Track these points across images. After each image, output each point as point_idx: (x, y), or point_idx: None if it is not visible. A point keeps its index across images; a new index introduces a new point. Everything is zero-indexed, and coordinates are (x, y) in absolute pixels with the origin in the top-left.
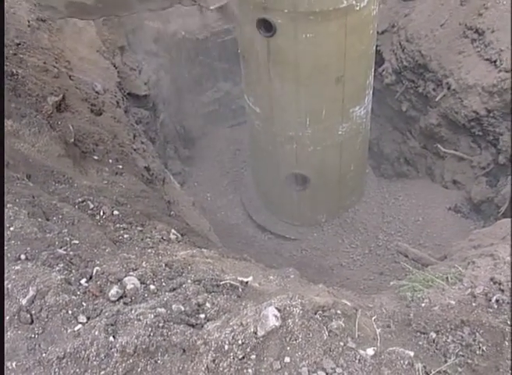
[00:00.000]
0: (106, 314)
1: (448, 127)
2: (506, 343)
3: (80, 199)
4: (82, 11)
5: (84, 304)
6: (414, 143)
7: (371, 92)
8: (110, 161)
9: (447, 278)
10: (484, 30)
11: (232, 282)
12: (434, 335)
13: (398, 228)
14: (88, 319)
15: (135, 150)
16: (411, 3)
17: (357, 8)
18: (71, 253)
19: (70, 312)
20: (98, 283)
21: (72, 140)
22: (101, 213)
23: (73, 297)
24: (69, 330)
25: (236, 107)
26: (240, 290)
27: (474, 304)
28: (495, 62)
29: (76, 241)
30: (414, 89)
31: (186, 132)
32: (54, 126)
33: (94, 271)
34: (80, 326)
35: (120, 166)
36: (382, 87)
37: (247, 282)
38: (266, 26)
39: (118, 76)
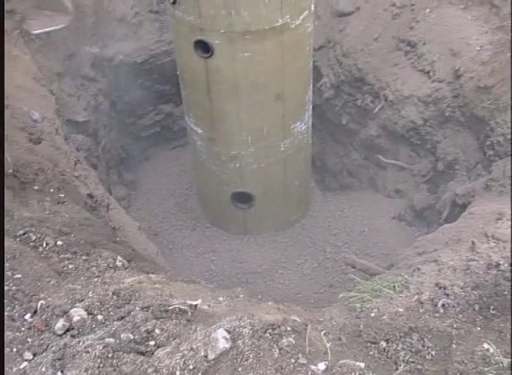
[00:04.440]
0: (53, 349)
1: (388, 138)
2: (454, 346)
3: (21, 232)
4: None
5: (30, 340)
6: (355, 155)
7: (310, 107)
8: (51, 190)
9: (394, 286)
10: (416, 42)
11: (180, 306)
12: (384, 344)
13: (345, 240)
14: (34, 355)
15: (77, 177)
16: (345, 19)
17: (293, 26)
18: (14, 288)
19: (15, 349)
20: (43, 317)
21: (11, 171)
22: (44, 244)
23: (18, 334)
24: (14, 369)
25: (178, 128)
26: (190, 314)
27: (421, 310)
28: (428, 72)
29: (19, 275)
30: (353, 102)
31: (129, 156)
32: None
33: (39, 305)
34: (25, 363)
35: (62, 195)
36: (322, 102)
37: (196, 305)
38: (204, 48)
39: (56, 103)
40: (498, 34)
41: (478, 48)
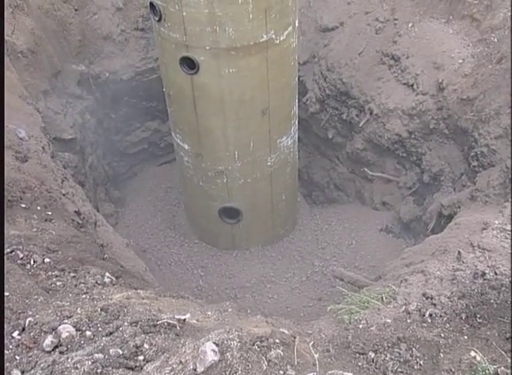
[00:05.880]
0: (41, 365)
1: (373, 151)
2: (442, 355)
3: (8, 250)
4: None
5: (18, 357)
6: (342, 168)
7: (296, 122)
8: (38, 208)
9: (382, 298)
10: (399, 56)
11: (169, 321)
12: (373, 355)
13: (333, 253)
14: (23, 373)
15: (64, 195)
16: (329, 34)
17: (277, 41)
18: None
19: None
20: (32, 334)
21: None
22: (32, 262)
23: (6, 351)
24: None
25: (165, 145)
26: (178, 328)
27: (408, 320)
28: (412, 85)
29: (7, 293)
30: (338, 116)
31: (116, 173)
32: None
33: (27, 322)
34: None
35: (49, 213)
36: (308, 116)
37: (184, 320)
38: (189, 64)
39: (42, 121)
40: (479, 47)
41: (461, 61)
